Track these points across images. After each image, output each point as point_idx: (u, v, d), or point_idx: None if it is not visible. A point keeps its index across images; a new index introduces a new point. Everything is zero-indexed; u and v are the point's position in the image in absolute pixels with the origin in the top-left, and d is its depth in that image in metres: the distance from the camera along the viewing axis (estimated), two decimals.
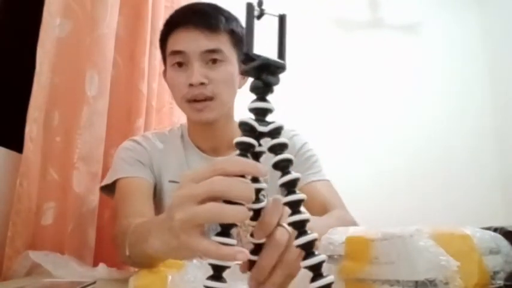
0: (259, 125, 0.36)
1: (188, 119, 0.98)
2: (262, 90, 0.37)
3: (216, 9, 0.92)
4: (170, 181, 0.95)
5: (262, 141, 0.39)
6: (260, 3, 0.38)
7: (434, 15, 2.30)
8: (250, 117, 0.37)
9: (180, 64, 0.91)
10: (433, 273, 0.39)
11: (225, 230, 0.35)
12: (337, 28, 2.22)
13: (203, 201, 0.37)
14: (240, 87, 0.95)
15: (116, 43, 1.05)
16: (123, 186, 0.89)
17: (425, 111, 2.22)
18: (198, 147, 0.99)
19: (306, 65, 2.01)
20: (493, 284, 0.44)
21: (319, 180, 0.95)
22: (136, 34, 1.15)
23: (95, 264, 0.87)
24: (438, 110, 2.22)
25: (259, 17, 0.38)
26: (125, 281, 0.58)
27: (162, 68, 1.25)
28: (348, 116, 2.14)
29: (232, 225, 0.36)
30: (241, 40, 0.92)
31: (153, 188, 0.94)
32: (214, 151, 0.97)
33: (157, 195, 0.95)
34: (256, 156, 0.39)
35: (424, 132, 2.18)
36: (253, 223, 0.41)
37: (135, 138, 1.00)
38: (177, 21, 0.92)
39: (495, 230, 0.50)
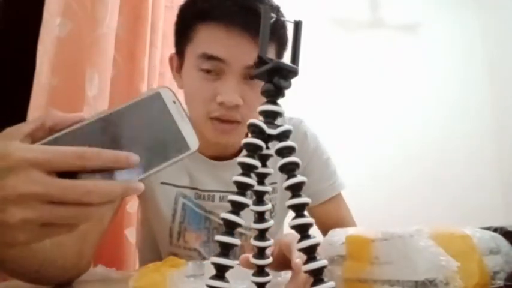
0: (268, 127, 0.36)
1: (196, 121, 0.77)
2: (273, 93, 0.37)
3: (271, 8, 0.67)
4: (163, 183, 0.83)
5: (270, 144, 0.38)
6: (277, 9, 0.38)
7: (434, 15, 2.30)
8: (259, 119, 0.37)
9: (209, 71, 0.72)
10: (433, 273, 0.39)
11: (230, 229, 0.35)
12: (337, 28, 2.22)
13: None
14: None
15: (115, 43, 1.05)
16: None
17: (425, 111, 2.22)
18: (199, 150, 0.87)
19: (305, 65, 2.01)
20: (493, 284, 0.44)
21: (334, 197, 0.89)
22: (136, 34, 1.15)
23: (94, 265, 0.87)
24: (438, 110, 2.22)
25: (275, 22, 0.38)
26: (125, 281, 0.58)
27: (162, 68, 1.25)
28: (347, 115, 2.14)
29: (237, 224, 0.35)
30: (283, 49, 0.75)
31: None
32: (217, 158, 0.86)
33: (146, 196, 0.85)
34: (263, 158, 0.39)
35: (424, 132, 2.18)
36: (258, 226, 0.40)
37: None
38: (216, 11, 0.69)
39: (495, 230, 0.50)
